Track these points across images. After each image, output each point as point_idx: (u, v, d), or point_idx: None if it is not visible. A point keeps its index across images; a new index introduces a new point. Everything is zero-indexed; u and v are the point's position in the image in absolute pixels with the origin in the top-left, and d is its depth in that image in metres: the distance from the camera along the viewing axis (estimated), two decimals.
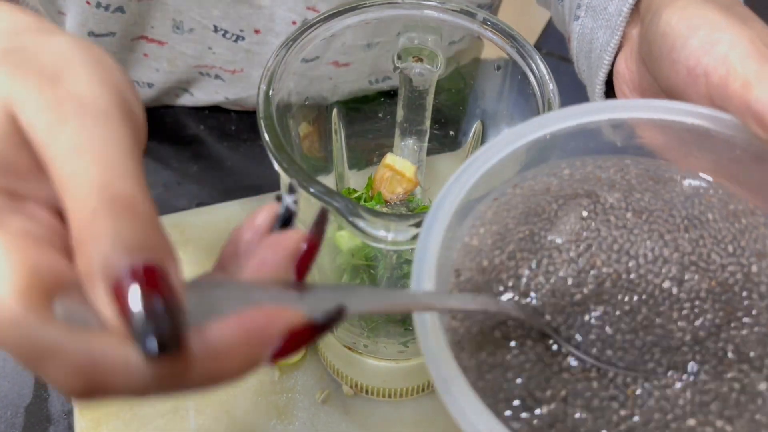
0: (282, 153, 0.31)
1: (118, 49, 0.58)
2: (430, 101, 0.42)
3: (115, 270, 0.17)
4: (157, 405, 0.48)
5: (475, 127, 0.41)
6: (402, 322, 0.40)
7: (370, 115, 0.44)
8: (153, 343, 0.17)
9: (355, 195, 0.44)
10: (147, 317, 0.17)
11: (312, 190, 0.30)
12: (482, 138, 0.40)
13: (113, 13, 0.54)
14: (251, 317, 0.19)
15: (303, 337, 0.19)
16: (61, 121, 0.20)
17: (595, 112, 0.25)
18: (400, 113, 0.43)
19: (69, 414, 0.48)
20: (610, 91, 0.35)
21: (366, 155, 0.47)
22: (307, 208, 0.35)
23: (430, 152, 0.44)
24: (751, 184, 0.26)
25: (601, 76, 0.34)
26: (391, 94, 0.44)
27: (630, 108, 0.25)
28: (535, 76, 0.33)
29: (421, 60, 0.37)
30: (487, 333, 0.23)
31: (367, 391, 0.48)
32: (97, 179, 0.19)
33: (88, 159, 0.19)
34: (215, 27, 0.56)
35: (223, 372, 0.19)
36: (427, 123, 0.44)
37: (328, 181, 0.46)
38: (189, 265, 0.54)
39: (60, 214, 0.21)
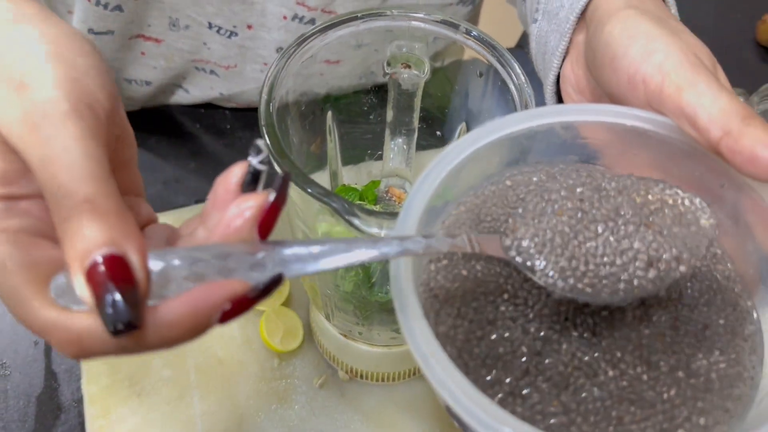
0: (284, 158, 0.33)
1: (117, 48, 0.60)
2: (417, 103, 0.45)
3: (86, 263, 0.23)
4: (164, 392, 0.51)
5: (460, 128, 0.43)
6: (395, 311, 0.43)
7: (362, 116, 0.46)
8: (116, 326, 0.22)
9: (350, 193, 0.46)
10: (111, 305, 0.22)
11: (310, 191, 0.32)
12: None
13: (112, 11, 0.56)
14: (197, 294, 0.23)
15: (244, 304, 0.24)
16: (30, 132, 0.24)
17: (547, 115, 0.28)
18: (390, 114, 0.46)
19: (79, 402, 0.51)
20: (560, 91, 0.37)
21: (358, 153, 0.50)
22: (305, 205, 0.38)
23: (419, 148, 0.47)
24: (682, 176, 0.29)
25: (551, 78, 0.36)
26: (381, 97, 0.46)
27: (578, 112, 0.28)
28: (514, 84, 0.36)
29: (408, 66, 0.40)
30: (467, 301, 0.26)
31: (361, 376, 0.51)
32: (63, 188, 0.23)
33: (54, 170, 0.24)
34: (209, 23, 0.59)
35: (175, 338, 0.24)
36: (416, 123, 0.46)
37: (323, 177, 0.49)
38: None
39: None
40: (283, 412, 0.50)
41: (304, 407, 0.50)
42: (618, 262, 0.25)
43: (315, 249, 0.23)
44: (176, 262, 0.23)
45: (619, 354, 0.26)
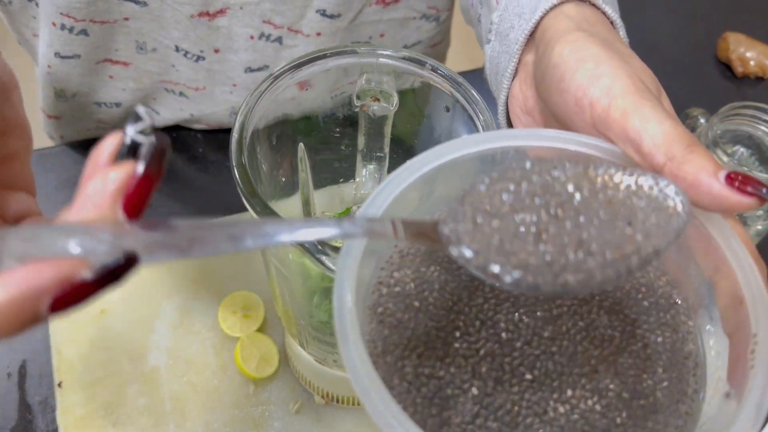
0: (254, 197, 0.34)
1: (84, 72, 0.60)
2: (388, 130, 0.46)
3: None
4: (139, 421, 0.51)
5: None
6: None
7: (333, 144, 0.47)
8: None
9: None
10: None
11: None
12: None
13: (77, 35, 0.56)
14: (19, 274, 0.19)
15: (80, 290, 0.20)
16: None
17: (493, 140, 0.28)
18: (361, 141, 0.47)
19: None
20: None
21: (330, 177, 0.51)
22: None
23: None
24: None
25: (502, 98, 0.36)
26: (351, 123, 0.47)
27: (524, 137, 0.28)
28: (480, 121, 0.37)
29: (377, 99, 0.41)
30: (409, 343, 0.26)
31: (337, 400, 0.51)
32: None
33: None
34: (176, 47, 0.59)
35: None
36: (386, 149, 0.47)
37: (295, 202, 0.49)
38: (164, 287, 0.57)
39: None
40: None
41: None
42: (573, 255, 0.23)
43: (186, 234, 0.20)
44: (9, 239, 0.20)
45: (570, 392, 0.26)
